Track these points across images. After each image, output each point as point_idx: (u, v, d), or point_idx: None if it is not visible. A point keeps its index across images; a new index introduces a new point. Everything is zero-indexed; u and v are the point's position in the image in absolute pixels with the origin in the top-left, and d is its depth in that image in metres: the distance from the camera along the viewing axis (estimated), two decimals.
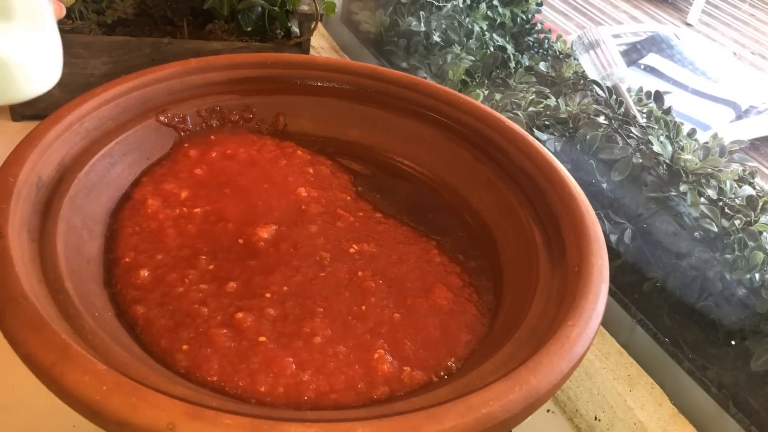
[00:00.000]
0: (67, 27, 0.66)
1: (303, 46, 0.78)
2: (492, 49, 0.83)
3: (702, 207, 0.57)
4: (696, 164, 0.61)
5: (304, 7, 0.76)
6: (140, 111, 0.50)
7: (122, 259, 0.43)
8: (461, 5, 0.89)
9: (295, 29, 0.77)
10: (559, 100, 0.72)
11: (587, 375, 0.55)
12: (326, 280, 0.43)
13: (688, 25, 2.59)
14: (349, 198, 0.52)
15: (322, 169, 0.54)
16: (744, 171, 0.63)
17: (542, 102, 0.72)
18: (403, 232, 0.49)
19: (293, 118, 0.57)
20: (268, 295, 0.41)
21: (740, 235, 0.54)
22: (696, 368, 0.53)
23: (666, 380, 0.54)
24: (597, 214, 0.44)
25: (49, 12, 0.35)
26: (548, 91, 0.76)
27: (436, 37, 0.84)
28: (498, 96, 0.74)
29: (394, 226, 0.50)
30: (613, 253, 0.59)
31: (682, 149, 0.63)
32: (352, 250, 0.46)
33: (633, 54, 1.86)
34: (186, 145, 0.53)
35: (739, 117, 1.71)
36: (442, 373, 0.39)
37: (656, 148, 0.62)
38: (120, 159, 0.48)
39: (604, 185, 0.63)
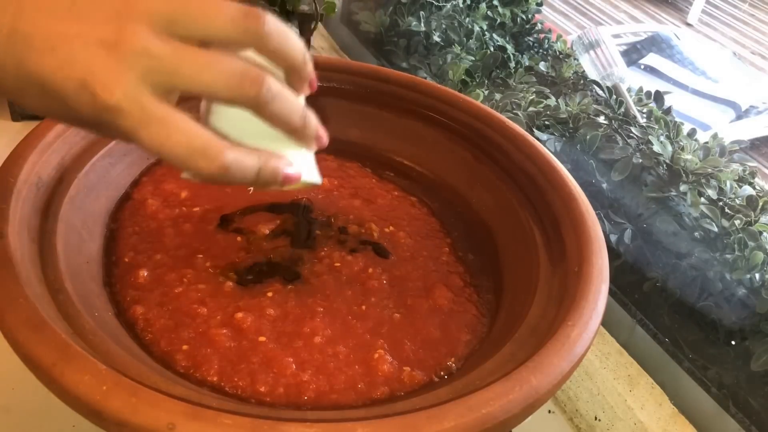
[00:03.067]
0: None
1: None
2: (492, 49, 0.83)
3: (702, 207, 0.57)
4: (696, 164, 0.61)
5: (304, 7, 0.76)
6: None
7: (122, 259, 0.43)
8: (461, 5, 0.89)
9: (295, 29, 0.77)
10: (559, 100, 0.72)
11: (587, 375, 0.55)
12: (337, 273, 0.43)
13: (688, 25, 2.59)
14: (374, 180, 0.51)
15: (329, 163, 0.54)
16: (744, 171, 0.63)
17: (542, 102, 0.72)
18: (431, 223, 0.49)
19: None
20: (270, 294, 0.41)
21: (740, 235, 0.54)
22: (696, 368, 0.53)
23: (666, 380, 0.54)
24: (597, 214, 0.44)
25: None
26: (548, 91, 0.76)
27: (436, 37, 0.84)
28: (498, 96, 0.74)
29: (426, 215, 0.49)
30: (613, 253, 0.59)
31: (682, 149, 0.63)
32: (387, 230, 0.47)
33: (633, 54, 1.86)
34: None
35: (739, 117, 1.70)
36: (442, 373, 0.39)
37: (656, 148, 0.62)
38: (120, 159, 0.48)
39: (604, 185, 0.63)
